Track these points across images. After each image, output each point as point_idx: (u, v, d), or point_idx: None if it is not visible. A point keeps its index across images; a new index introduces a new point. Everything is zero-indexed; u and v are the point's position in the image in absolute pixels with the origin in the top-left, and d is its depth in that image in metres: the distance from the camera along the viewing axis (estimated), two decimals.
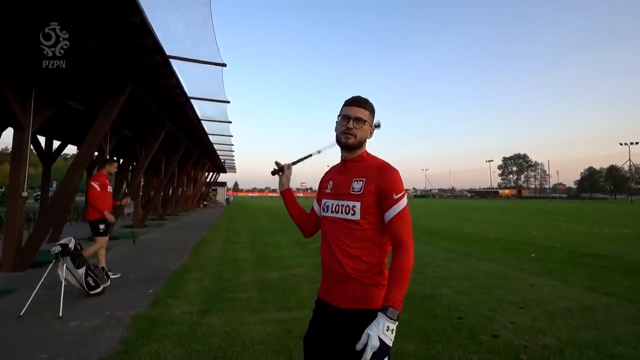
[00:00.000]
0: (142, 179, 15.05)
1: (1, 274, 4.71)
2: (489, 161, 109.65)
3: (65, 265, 3.46)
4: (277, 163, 1.53)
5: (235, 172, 31.78)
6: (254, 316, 3.32)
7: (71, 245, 3.49)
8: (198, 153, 15.74)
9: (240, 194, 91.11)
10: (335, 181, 1.31)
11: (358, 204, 1.18)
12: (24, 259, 4.87)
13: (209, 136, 12.14)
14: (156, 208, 13.90)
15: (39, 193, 12.77)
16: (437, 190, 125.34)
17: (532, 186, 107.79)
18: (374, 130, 1.32)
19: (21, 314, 3.22)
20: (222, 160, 23.35)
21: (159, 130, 8.48)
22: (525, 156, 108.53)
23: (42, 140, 9.32)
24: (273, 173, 1.51)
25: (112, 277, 4.44)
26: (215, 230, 10.89)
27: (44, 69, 4.91)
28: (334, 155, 1.38)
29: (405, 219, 1.16)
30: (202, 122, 9.62)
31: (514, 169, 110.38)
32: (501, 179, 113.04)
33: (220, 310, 3.48)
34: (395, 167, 1.23)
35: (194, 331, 2.95)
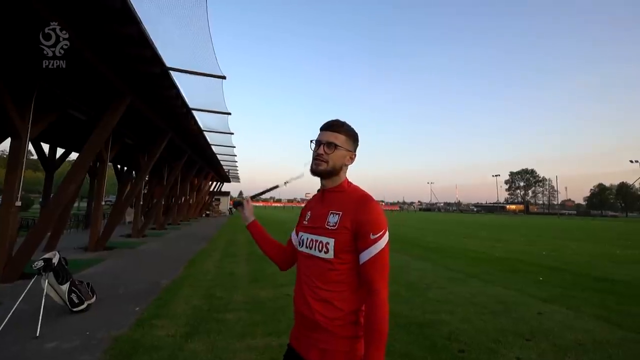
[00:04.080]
0: (145, 188, 15.07)
1: None
2: (496, 176, 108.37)
3: (47, 280, 3.33)
4: (235, 199, 1.46)
5: (239, 181, 31.81)
6: (240, 342, 3.12)
7: (55, 260, 3.37)
8: (201, 163, 15.76)
9: (252, 204, 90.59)
10: (313, 212, 1.19)
11: (332, 241, 1.04)
12: (13, 269, 4.77)
13: (212, 147, 12.14)
14: (157, 217, 13.83)
15: None
16: (442, 204, 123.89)
17: (540, 202, 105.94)
18: (353, 156, 1.18)
19: None
20: (227, 171, 23.40)
21: (160, 140, 8.46)
22: (532, 171, 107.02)
23: (45, 148, 9.38)
24: (234, 206, 1.45)
25: None
26: (214, 242, 10.73)
27: (45, 77, 4.94)
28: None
29: (381, 262, 1.02)
30: (205, 132, 9.62)
31: (521, 184, 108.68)
32: (508, 194, 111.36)
33: (206, 333, 3.29)
34: (375, 200, 1.09)
35: (174, 358, 2.77)
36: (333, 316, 1.02)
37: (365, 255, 1.01)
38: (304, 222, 1.20)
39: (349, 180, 1.20)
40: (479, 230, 20.80)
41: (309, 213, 1.21)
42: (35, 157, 10.33)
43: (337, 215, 1.07)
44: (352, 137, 1.17)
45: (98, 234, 7.94)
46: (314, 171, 1.14)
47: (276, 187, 1.47)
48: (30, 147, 9.30)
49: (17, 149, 4.91)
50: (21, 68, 4.51)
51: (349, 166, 1.22)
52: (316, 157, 1.13)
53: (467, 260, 8.35)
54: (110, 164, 12.68)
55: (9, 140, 5.11)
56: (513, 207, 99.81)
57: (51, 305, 3.60)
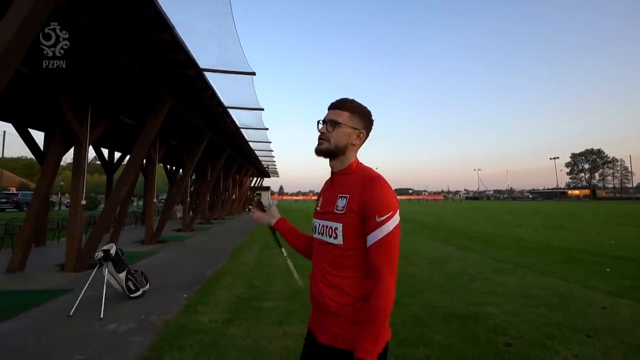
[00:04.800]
0: (192, 186, 16.12)
1: (64, 274, 5.29)
2: (554, 158, 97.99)
3: (107, 269, 3.72)
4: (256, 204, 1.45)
5: (278, 176, 32.72)
6: (277, 328, 3.22)
7: (112, 251, 3.74)
8: (240, 159, 16.44)
9: (285, 197, 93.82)
10: (324, 197, 1.17)
11: (340, 226, 1.02)
12: (82, 260, 5.41)
13: (249, 143, 12.60)
14: (203, 212, 14.77)
15: None
16: (492, 192, 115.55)
17: (610, 185, 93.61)
18: (363, 134, 1.12)
19: (70, 313, 3.52)
20: (266, 166, 24.17)
21: (201, 139, 8.97)
22: (599, 151, 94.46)
23: (105, 153, 10.45)
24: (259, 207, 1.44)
25: None
26: (255, 235, 11.18)
27: (97, 88, 5.45)
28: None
29: (388, 247, 0.95)
30: (241, 129, 9.99)
31: (586, 166, 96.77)
32: (570, 178, 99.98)
33: (245, 320, 3.45)
34: (384, 179, 1.02)
35: (216, 342, 2.94)
36: (343, 302, 1.00)
37: (371, 239, 0.96)
38: (317, 208, 1.19)
39: (360, 161, 1.15)
40: (533, 218, 19.11)
41: (321, 199, 1.19)
42: (99, 162, 11.57)
43: (345, 199, 1.03)
44: (359, 114, 1.11)
45: (152, 229, 8.70)
46: (317, 151, 1.11)
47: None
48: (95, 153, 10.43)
49: (79, 154, 5.53)
50: (77, 80, 5.03)
51: (363, 146, 1.17)
52: (319, 137, 1.11)
53: (519, 250, 7.72)
54: (160, 164, 13.77)
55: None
56: (576, 192, 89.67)
57: (113, 292, 4.03)
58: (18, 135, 7.58)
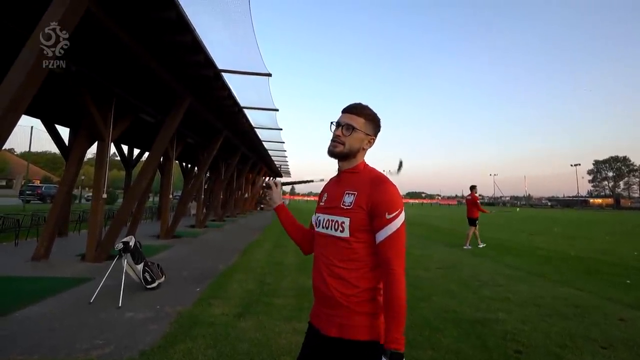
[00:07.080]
0: (207, 184, 16.45)
1: (85, 263, 5.54)
2: (576, 165, 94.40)
3: (126, 260, 3.89)
4: (266, 182, 1.46)
5: (290, 176, 32.92)
6: (286, 324, 3.29)
7: (131, 243, 3.91)
8: (254, 158, 16.68)
9: (297, 198, 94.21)
10: (329, 193, 1.22)
11: (347, 220, 1.07)
12: (102, 251, 5.64)
13: (263, 143, 12.78)
14: (216, 210, 15.05)
15: None
16: (508, 198, 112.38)
17: (636, 195, 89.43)
18: (373, 140, 1.19)
19: (91, 301, 3.70)
20: (278, 166, 24.39)
21: (216, 138, 9.18)
22: (625, 159, 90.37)
23: (125, 149, 10.82)
24: (265, 189, 1.47)
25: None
26: (266, 233, 11.33)
27: (121, 86, 5.69)
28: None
29: (397, 241, 1.02)
30: (255, 129, 10.15)
31: (610, 174, 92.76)
32: (592, 186, 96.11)
33: (256, 314, 3.53)
34: (390, 180, 1.10)
35: (227, 334, 3.03)
36: (349, 292, 1.05)
37: (382, 235, 1.03)
38: (321, 203, 1.24)
39: (366, 162, 1.21)
40: (552, 226, 18.53)
41: (325, 194, 1.24)
42: (118, 158, 12.01)
43: (353, 195, 1.09)
44: (372, 121, 1.18)
45: (167, 224, 8.96)
46: (331, 152, 1.17)
47: (310, 181, 1.53)
48: (114, 149, 10.85)
49: (102, 150, 5.78)
50: (101, 79, 5.26)
51: (370, 150, 1.23)
52: (333, 139, 1.16)
53: (534, 258, 7.54)
54: (176, 162, 14.13)
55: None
56: (599, 200, 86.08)
57: (130, 283, 4.20)
58: (44, 130, 7.99)
